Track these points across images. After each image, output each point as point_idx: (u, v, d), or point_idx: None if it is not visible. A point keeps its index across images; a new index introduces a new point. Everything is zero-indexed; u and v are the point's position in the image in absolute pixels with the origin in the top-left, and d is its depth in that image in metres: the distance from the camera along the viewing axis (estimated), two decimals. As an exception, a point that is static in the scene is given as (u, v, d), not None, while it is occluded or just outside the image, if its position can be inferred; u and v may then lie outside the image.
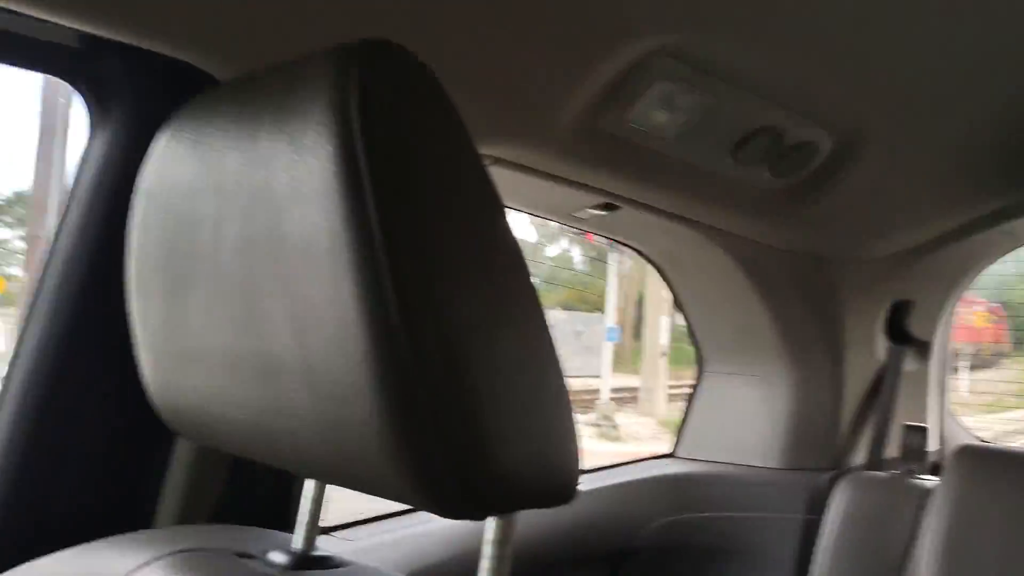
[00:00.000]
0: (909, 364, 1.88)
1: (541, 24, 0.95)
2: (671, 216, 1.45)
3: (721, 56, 1.08)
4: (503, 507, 0.51)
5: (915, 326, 1.87)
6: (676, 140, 1.20)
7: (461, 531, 1.31)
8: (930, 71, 1.16)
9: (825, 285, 1.70)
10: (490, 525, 0.54)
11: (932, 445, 2.05)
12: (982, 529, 1.33)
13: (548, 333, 0.51)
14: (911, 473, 1.67)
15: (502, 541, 0.54)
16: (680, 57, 1.07)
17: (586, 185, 1.30)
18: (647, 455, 1.94)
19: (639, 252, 1.71)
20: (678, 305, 1.81)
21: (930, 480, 1.59)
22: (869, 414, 1.85)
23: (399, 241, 0.42)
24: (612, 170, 1.26)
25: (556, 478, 0.51)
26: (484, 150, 1.14)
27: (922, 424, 1.70)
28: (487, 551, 0.54)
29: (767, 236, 1.57)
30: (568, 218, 1.47)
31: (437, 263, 0.44)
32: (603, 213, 1.42)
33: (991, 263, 1.88)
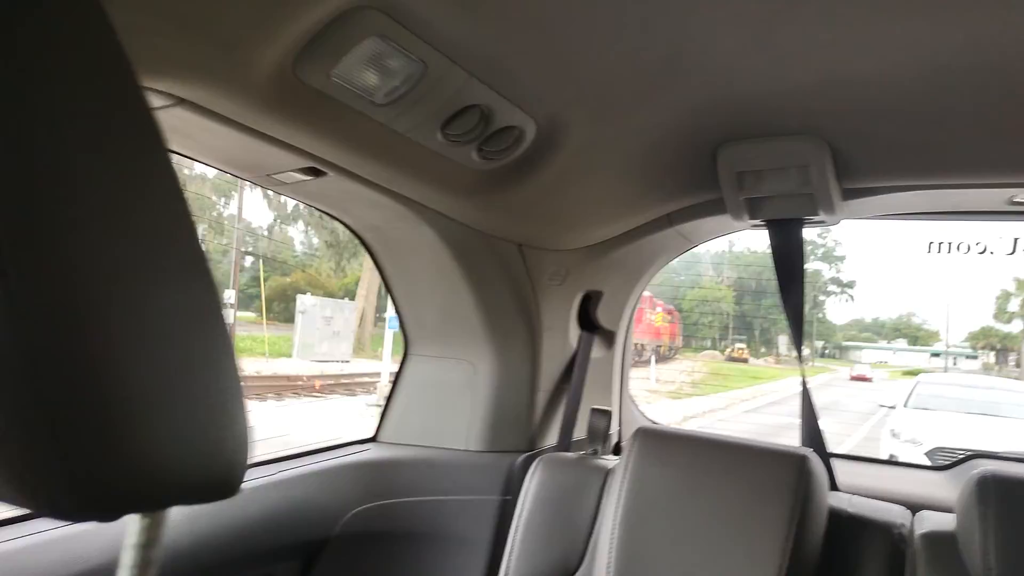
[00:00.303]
0: (596, 352, 2.03)
1: None
2: (379, 189, 1.40)
3: (434, 22, 1.05)
4: (142, 504, 0.43)
5: (603, 316, 2.02)
6: (385, 106, 1.14)
7: (103, 535, 1.13)
8: (623, 72, 1.23)
9: (526, 273, 1.76)
10: (133, 527, 0.46)
11: (615, 427, 2.24)
12: (654, 501, 1.46)
13: (217, 303, 0.43)
14: (596, 453, 1.80)
15: (146, 544, 0.45)
16: (392, 15, 1.01)
17: (288, 144, 1.19)
18: (348, 440, 1.87)
19: (346, 225, 1.63)
20: (386, 284, 1.76)
21: (612, 459, 1.72)
22: (562, 398, 1.96)
23: (10, 163, 0.33)
24: (316, 131, 1.17)
25: (214, 470, 0.44)
26: (164, 86, 0.99)
27: (606, 408, 1.83)
28: (128, 557, 0.45)
29: (474, 219, 1.58)
30: (269, 181, 1.35)
31: (58, 197, 0.35)
32: (307, 178, 1.32)
33: (668, 261, 2.08)
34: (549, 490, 1.64)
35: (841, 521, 1.44)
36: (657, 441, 1.54)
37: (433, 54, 1.10)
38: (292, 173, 1.30)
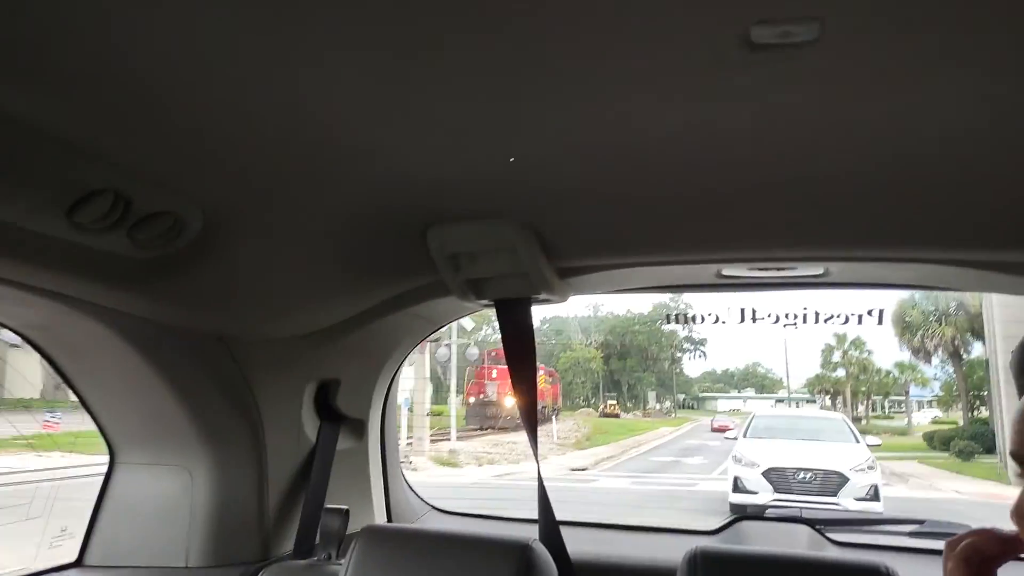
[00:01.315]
0: (344, 443, 1.88)
1: None
2: (18, 286, 1.22)
3: (27, 95, 0.91)
4: None
5: (347, 405, 1.88)
6: None
7: None
8: (284, 158, 1.14)
9: (235, 366, 1.61)
10: None
11: (380, 519, 2.08)
12: None
13: None
14: (330, 558, 1.64)
15: None
16: None
17: None
18: (43, 568, 1.62)
19: (5, 326, 1.42)
20: (71, 388, 1.55)
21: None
22: (300, 498, 1.79)
23: None
24: None
25: None
26: None
27: (340, 507, 1.69)
28: None
29: (155, 312, 1.42)
30: None
31: None
32: None
33: (416, 343, 1.99)
34: None
35: None
36: (382, 541, 1.44)
37: (30, 132, 0.96)
38: None
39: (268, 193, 1.24)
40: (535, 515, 1.69)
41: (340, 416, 1.86)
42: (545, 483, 1.67)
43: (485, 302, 1.66)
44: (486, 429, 20.67)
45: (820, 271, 1.55)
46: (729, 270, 1.58)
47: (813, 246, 1.46)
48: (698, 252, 1.52)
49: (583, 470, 15.24)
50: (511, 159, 1.19)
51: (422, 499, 2.33)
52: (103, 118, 0.99)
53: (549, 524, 1.65)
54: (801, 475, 8.48)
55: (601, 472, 15.54)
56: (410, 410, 17.53)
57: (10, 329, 1.42)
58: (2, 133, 0.93)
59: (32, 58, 0.87)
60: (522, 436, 19.65)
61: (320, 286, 1.55)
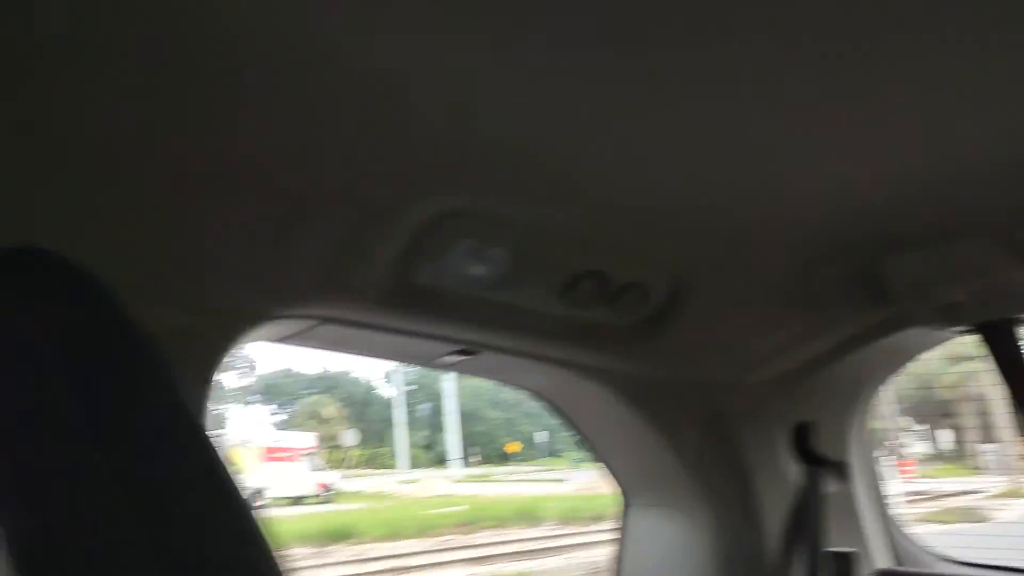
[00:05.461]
0: (830, 486, 1.84)
1: (315, 200, 1.07)
2: (532, 357, 1.53)
3: (516, 213, 1.20)
4: None
5: (826, 446, 1.84)
6: (498, 288, 1.30)
7: None
8: (752, 212, 1.25)
9: (715, 412, 1.72)
10: None
11: (879, 564, 1.96)
12: None
13: None
14: None
15: None
16: (474, 216, 1.18)
17: (432, 335, 1.40)
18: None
19: (526, 389, 1.77)
20: (584, 439, 1.84)
21: None
22: (796, 542, 1.80)
23: None
24: (449, 319, 1.36)
25: None
26: (306, 311, 1.24)
27: (843, 550, 1.65)
28: None
29: (639, 369, 1.62)
30: (437, 364, 1.57)
31: None
32: (464, 358, 1.51)
33: (890, 377, 1.87)
34: None
35: None
36: None
37: (527, 237, 1.25)
38: (449, 356, 1.50)
39: (725, 251, 1.35)
40: None
41: (820, 458, 1.84)
42: None
43: (961, 328, 1.51)
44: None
45: None
46: None
47: None
48: None
49: None
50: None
51: (926, 546, 2.13)
52: (579, 212, 1.23)
53: None
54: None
55: None
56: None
57: (530, 392, 1.77)
58: (503, 233, 1.22)
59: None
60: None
61: (784, 329, 1.60)
